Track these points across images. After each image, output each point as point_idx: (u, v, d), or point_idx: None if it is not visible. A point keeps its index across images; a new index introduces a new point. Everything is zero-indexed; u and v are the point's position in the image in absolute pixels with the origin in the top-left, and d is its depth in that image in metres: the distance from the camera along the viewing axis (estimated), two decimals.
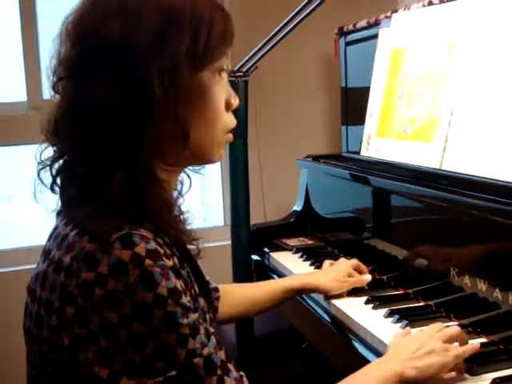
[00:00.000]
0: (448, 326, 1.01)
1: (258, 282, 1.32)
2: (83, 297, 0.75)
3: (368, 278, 1.36)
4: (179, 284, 0.78)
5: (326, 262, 1.41)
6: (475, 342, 0.98)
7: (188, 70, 0.82)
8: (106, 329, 0.75)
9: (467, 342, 0.99)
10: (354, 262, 1.39)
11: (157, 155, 0.83)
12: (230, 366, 0.81)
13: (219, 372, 0.78)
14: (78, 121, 0.81)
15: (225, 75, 0.89)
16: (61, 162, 0.86)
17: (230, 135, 0.92)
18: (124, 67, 0.79)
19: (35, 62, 2.28)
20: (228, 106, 0.90)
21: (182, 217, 0.92)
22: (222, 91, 0.88)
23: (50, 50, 0.85)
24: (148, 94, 0.79)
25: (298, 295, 1.35)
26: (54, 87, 0.86)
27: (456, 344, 0.97)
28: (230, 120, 0.90)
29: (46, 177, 0.87)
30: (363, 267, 1.39)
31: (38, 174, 0.87)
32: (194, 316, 0.78)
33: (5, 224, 2.41)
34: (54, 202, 0.89)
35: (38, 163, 0.87)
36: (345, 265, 1.36)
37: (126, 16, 0.80)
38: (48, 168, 0.86)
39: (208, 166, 0.95)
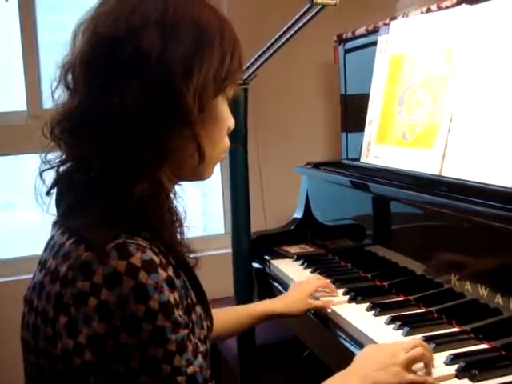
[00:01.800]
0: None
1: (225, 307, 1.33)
2: (77, 306, 0.75)
3: (332, 302, 1.34)
4: (172, 297, 0.77)
5: (292, 284, 1.43)
6: (432, 379, 0.97)
7: (212, 92, 0.85)
8: (93, 342, 0.74)
9: (431, 361, 0.98)
10: (322, 282, 1.39)
11: (171, 169, 0.86)
12: None
13: None
14: (94, 123, 0.81)
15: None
16: (60, 169, 0.86)
17: (225, 155, 0.95)
18: (157, 79, 0.80)
19: (35, 72, 2.28)
20: (228, 128, 0.93)
21: (180, 229, 0.93)
22: (228, 115, 0.91)
23: (65, 46, 0.85)
24: (179, 109, 0.80)
25: (268, 320, 1.34)
26: (67, 85, 0.85)
27: (421, 364, 0.97)
28: (226, 141, 0.94)
29: (47, 177, 0.87)
30: (332, 288, 1.39)
31: (40, 174, 0.86)
32: (183, 332, 0.78)
33: (6, 233, 2.41)
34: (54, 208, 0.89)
35: (43, 162, 0.86)
36: (309, 285, 1.37)
37: (165, 29, 0.81)
38: (50, 170, 0.86)
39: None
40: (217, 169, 0.96)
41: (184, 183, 0.95)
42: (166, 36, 0.80)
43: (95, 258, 0.75)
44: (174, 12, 0.82)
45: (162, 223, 0.82)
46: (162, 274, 0.77)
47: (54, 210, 0.89)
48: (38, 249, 0.91)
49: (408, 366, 0.95)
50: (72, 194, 0.84)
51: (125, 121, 0.79)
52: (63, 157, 0.86)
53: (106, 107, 0.80)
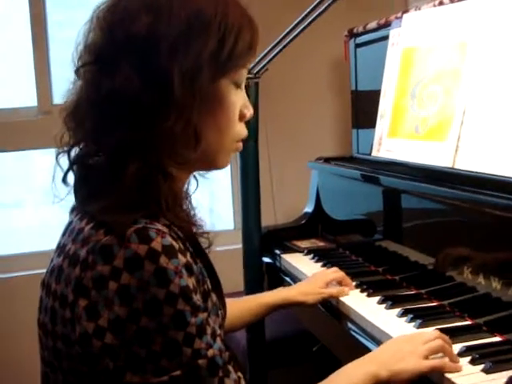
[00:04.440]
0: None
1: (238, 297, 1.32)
2: (97, 289, 0.75)
3: (347, 290, 1.34)
4: (191, 282, 0.78)
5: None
6: (459, 365, 0.97)
7: (209, 75, 0.82)
8: (114, 325, 0.74)
9: (451, 353, 0.98)
10: (338, 274, 1.38)
11: (167, 153, 0.83)
12: (230, 368, 0.81)
13: (220, 374, 0.78)
14: (96, 106, 0.82)
15: (242, 88, 0.90)
16: (75, 154, 0.86)
17: (240, 144, 0.93)
18: (147, 61, 0.80)
19: (45, 67, 2.29)
20: (242, 116, 0.91)
21: (192, 212, 0.92)
22: (237, 101, 0.89)
23: (76, 39, 0.86)
24: (167, 91, 0.80)
25: (278, 310, 1.33)
26: (78, 72, 0.86)
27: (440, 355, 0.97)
28: (241, 130, 0.91)
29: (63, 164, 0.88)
30: (348, 281, 1.37)
31: (57, 159, 0.87)
32: (202, 316, 0.78)
33: (14, 230, 2.42)
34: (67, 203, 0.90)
35: (58, 148, 0.87)
36: (325, 275, 1.37)
37: (157, 12, 0.81)
38: (66, 154, 0.87)
39: (217, 172, 0.96)
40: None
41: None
42: (158, 17, 0.80)
43: (115, 241, 0.75)
44: None
45: (160, 204, 0.81)
46: (182, 259, 0.77)
47: (64, 202, 0.90)
48: (46, 245, 0.92)
49: (426, 356, 0.95)
50: (89, 180, 0.85)
51: (116, 104, 0.80)
52: (71, 142, 0.87)
53: (99, 90, 0.81)
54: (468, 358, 0.99)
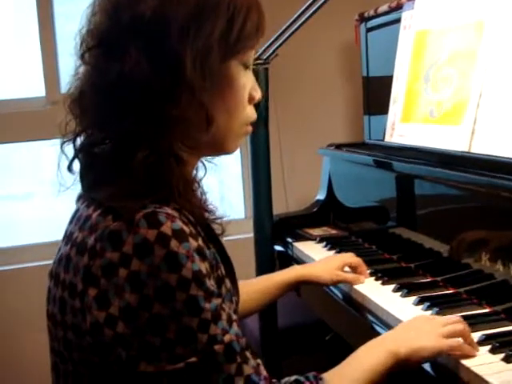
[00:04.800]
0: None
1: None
2: (106, 277, 0.74)
3: (363, 279, 1.31)
4: (204, 267, 0.76)
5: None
6: (474, 350, 0.95)
7: (219, 56, 0.81)
8: (125, 313, 0.73)
9: (470, 338, 0.96)
10: (355, 259, 1.35)
11: (179, 137, 0.82)
12: (248, 354, 0.79)
13: (239, 360, 0.77)
14: (103, 92, 0.80)
15: (250, 69, 0.89)
16: (80, 141, 0.84)
17: (250, 128, 0.92)
18: (157, 43, 0.78)
19: (53, 57, 2.28)
20: (251, 98, 0.89)
21: (204, 197, 0.91)
22: (247, 83, 0.87)
23: (80, 22, 0.84)
24: (177, 73, 0.78)
25: (296, 287, 1.32)
26: (83, 57, 0.84)
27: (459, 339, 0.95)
28: (251, 113, 0.90)
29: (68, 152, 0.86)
30: (363, 269, 1.34)
31: (62, 147, 0.85)
32: (216, 301, 0.77)
33: (23, 221, 2.41)
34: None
35: (63, 136, 0.85)
36: (342, 257, 1.35)
37: None
38: (71, 142, 0.85)
39: (227, 160, 0.94)
40: (236, 153, 0.93)
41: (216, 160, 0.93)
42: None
43: (124, 227, 0.74)
44: None
45: (171, 189, 0.79)
46: (193, 243, 0.75)
47: (73, 192, 0.88)
48: (54, 236, 0.90)
49: (447, 337, 0.93)
50: (95, 168, 0.83)
51: (125, 89, 0.78)
52: (77, 130, 0.85)
53: (106, 76, 0.79)
54: (488, 347, 0.96)
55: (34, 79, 2.29)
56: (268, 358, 1.76)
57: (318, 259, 1.40)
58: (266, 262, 1.71)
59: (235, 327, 0.79)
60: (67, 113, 0.84)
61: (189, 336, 0.73)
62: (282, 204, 2.29)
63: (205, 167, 0.95)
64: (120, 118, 0.79)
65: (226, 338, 0.76)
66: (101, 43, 0.81)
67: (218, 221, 0.91)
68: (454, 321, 0.97)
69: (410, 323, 0.99)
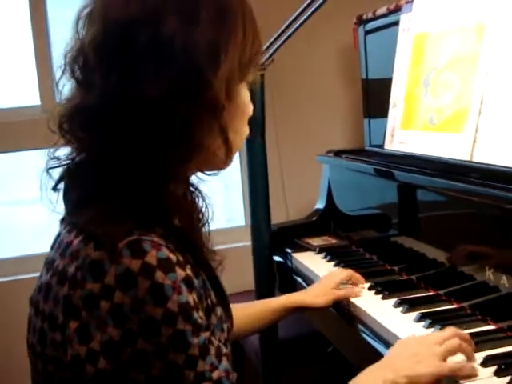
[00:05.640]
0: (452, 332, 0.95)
1: (246, 303, 1.28)
2: (87, 310, 0.69)
3: (359, 289, 1.30)
4: (192, 298, 0.72)
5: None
6: (475, 369, 0.91)
7: (238, 79, 0.79)
8: (107, 348, 0.68)
9: (471, 352, 0.93)
10: (346, 272, 1.34)
11: (194, 164, 0.79)
12: None
13: None
14: (111, 118, 0.74)
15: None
16: (67, 162, 0.80)
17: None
18: (182, 68, 0.73)
19: (48, 65, 2.24)
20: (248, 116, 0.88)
21: (204, 228, 0.87)
22: (249, 101, 0.86)
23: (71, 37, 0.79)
24: (204, 100, 0.74)
25: (290, 314, 1.30)
26: (76, 76, 0.78)
27: (460, 356, 0.92)
28: (247, 129, 0.88)
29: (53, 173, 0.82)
30: (357, 277, 1.33)
31: (47, 170, 0.81)
32: (205, 335, 0.72)
33: (23, 231, 2.38)
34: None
35: (50, 158, 0.81)
36: (334, 277, 1.32)
37: (183, 13, 0.74)
38: (57, 165, 0.81)
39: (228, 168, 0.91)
40: (236, 160, 0.90)
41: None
42: (186, 19, 0.74)
43: (106, 256, 0.69)
44: None
45: (191, 223, 0.77)
46: (180, 272, 0.71)
47: (60, 207, 0.84)
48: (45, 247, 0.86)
49: (445, 357, 0.89)
50: (79, 190, 0.78)
51: (148, 115, 0.73)
52: (73, 154, 0.80)
53: (125, 100, 0.73)
54: (492, 369, 0.92)
55: (29, 88, 2.26)
56: (268, 370, 1.73)
57: (312, 284, 1.37)
58: (265, 273, 1.67)
59: (225, 362, 0.74)
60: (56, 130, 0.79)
61: (175, 373, 0.69)
62: (282, 213, 2.24)
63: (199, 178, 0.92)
64: (130, 138, 0.74)
65: (215, 374, 0.72)
66: (115, 64, 0.74)
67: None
68: (448, 336, 0.93)
69: (404, 347, 0.94)
